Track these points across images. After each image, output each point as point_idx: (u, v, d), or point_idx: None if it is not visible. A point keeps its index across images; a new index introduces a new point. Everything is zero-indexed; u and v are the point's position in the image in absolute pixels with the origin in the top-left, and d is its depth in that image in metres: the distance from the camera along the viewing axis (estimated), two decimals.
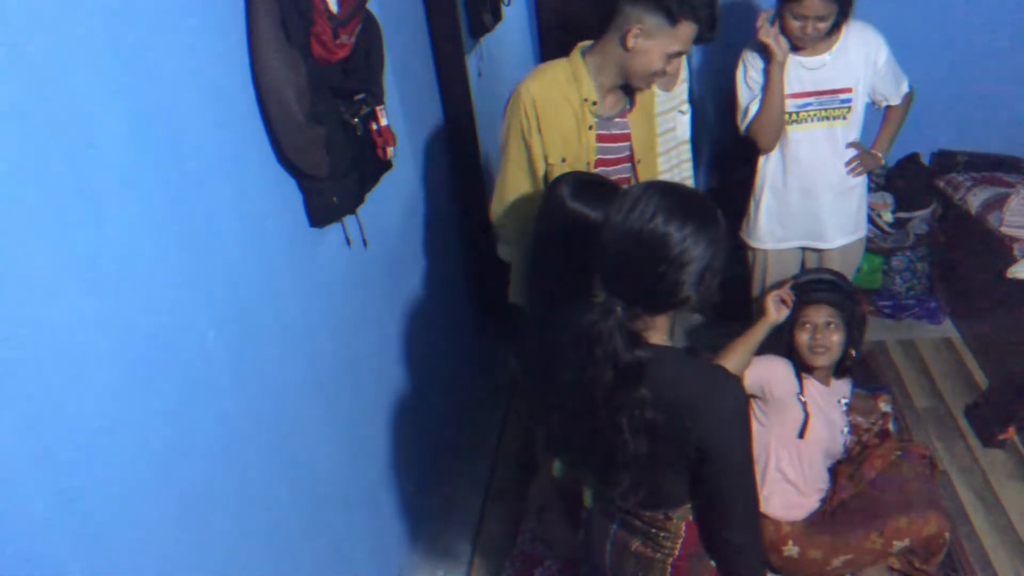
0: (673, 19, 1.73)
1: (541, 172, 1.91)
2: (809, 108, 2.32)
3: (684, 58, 2.36)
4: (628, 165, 2.03)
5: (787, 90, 2.31)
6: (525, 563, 2.32)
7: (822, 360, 2.13)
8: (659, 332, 1.23)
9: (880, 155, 2.48)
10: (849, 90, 2.30)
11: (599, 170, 1.97)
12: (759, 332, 2.04)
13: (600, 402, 1.19)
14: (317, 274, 1.79)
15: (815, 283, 2.23)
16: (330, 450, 1.85)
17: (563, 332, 1.29)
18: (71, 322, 1.02)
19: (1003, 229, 2.80)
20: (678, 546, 1.35)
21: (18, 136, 0.95)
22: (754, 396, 2.14)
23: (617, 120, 1.96)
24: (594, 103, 1.88)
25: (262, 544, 1.52)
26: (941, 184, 3.21)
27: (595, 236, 1.50)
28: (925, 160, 3.39)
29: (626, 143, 1.99)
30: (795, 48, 2.27)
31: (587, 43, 1.91)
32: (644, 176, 2.05)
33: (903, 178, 3.30)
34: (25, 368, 0.95)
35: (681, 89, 2.35)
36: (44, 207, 0.98)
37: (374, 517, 2.16)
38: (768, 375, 2.12)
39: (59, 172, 1.01)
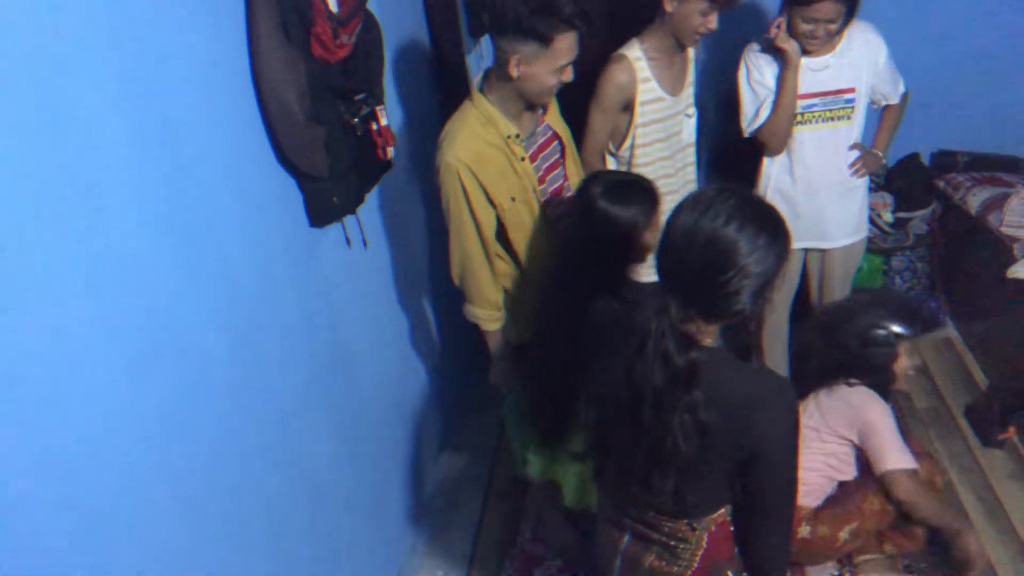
0: (545, 40, 1.69)
1: (491, 233, 1.89)
2: (814, 109, 2.33)
3: (692, 60, 2.36)
4: (561, 166, 2.04)
5: None
6: (525, 563, 2.32)
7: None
8: (710, 337, 1.22)
9: (881, 155, 2.49)
10: (852, 90, 2.31)
11: (547, 179, 1.99)
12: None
13: (649, 402, 1.17)
14: (317, 274, 1.79)
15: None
16: (330, 450, 1.85)
17: (601, 328, 1.28)
18: (71, 322, 1.02)
19: (1003, 229, 2.79)
20: (697, 558, 1.33)
21: (18, 136, 0.95)
22: (846, 439, 2.11)
23: (539, 129, 1.96)
24: (517, 135, 1.86)
25: (262, 544, 1.52)
26: (941, 184, 3.21)
27: (625, 235, 1.49)
28: (925, 160, 3.39)
29: (555, 142, 2.01)
30: (803, 51, 2.27)
31: (479, 78, 1.88)
32: (571, 163, 2.07)
33: (903, 178, 3.29)
34: (25, 368, 0.95)
35: (688, 93, 2.34)
36: (44, 207, 0.98)
37: (374, 517, 2.15)
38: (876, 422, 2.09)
39: (59, 172, 1.01)
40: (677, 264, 1.14)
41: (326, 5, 1.57)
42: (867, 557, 2.16)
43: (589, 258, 1.68)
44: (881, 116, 2.50)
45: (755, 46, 2.37)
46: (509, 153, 1.85)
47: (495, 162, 1.83)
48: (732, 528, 1.34)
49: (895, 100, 2.41)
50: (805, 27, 2.17)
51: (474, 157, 1.79)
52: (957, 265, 3.22)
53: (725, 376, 1.18)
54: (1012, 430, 2.58)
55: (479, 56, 3.22)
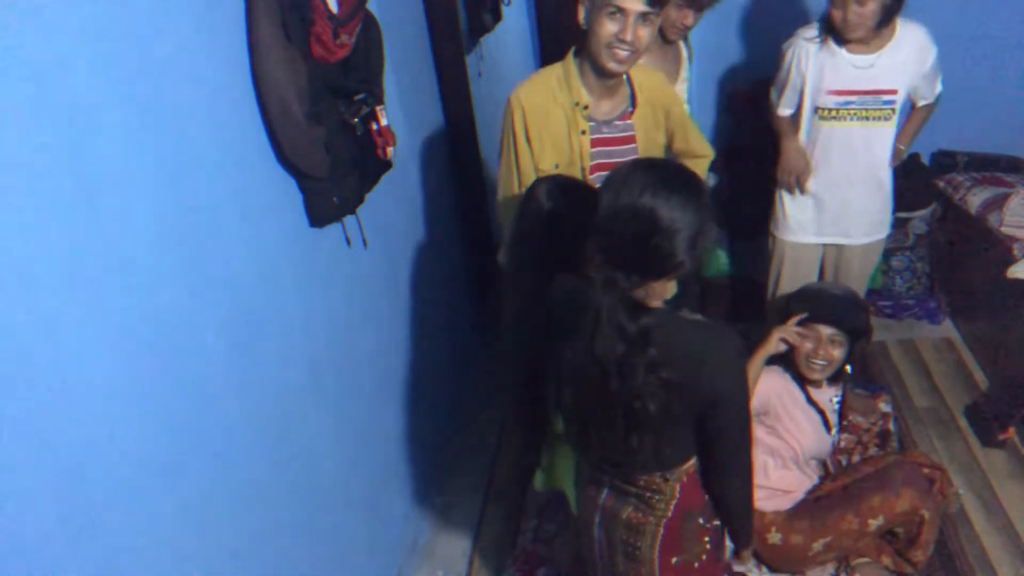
0: None
1: (530, 180, 1.85)
2: (850, 107, 2.29)
3: (685, 57, 2.37)
4: None
5: (830, 85, 2.28)
6: (528, 562, 2.32)
7: (819, 374, 2.13)
8: (659, 298, 1.31)
9: (903, 148, 2.47)
10: (894, 92, 2.26)
11: (596, 175, 1.94)
12: (757, 359, 2.07)
13: (613, 370, 1.27)
14: (317, 274, 1.79)
15: (829, 297, 2.22)
16: (330, 450, 1.85)
17: (559, 308, 1.37)
18: (71, 322, 1.02)
19: (1003, 229, 2.80)
20: (671, 507, 1.42)
21: (18, 137, 0.95)
22: (758, 415, 2.13)
23: (617, 122, 1.91)
24: (585, 107, 1.85)
25: (262, 544, 1.52)
26: (941, 184, 3.21)
27: (573, 238, 1.53)
28: (925, 160, 3.39)
29: (631, 145, 1.94)
30: (844, 41, 2.23)
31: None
32: None
33: (903, 178, 3.29)
34: (25, 368, 0.95)
35: (681, 88, 2.35)
36: (44, 207, 0.99)
37: (374, 517, 2.15)
38: (769, 390, 2.12)
39: (59, 172, 1.01)
40: (611, 240, 1.24)
41: (326, 5, 1.57)
42: (864, 560, 2.16)
43: (536, 263, 1.63)
44: (912, 111, 2.46)
45: (808, 32, 2.32)
46: (572, 121, 1.85)
47: (553, 123, 1.84)
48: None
49: (931, 100, 2.40)
50: (836, 12, 2.14)
51: (533, 107, 1.82)
52: (957, 265, 3.22)
53: (676, 334, 1.30)
54: (1012, 430, 2.58)
55: (479, 56, 3.23)
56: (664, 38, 2.22)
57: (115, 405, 1.10)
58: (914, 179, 3.28)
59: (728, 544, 1.58)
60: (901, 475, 2.09)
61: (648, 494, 1.43)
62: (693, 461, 1.43)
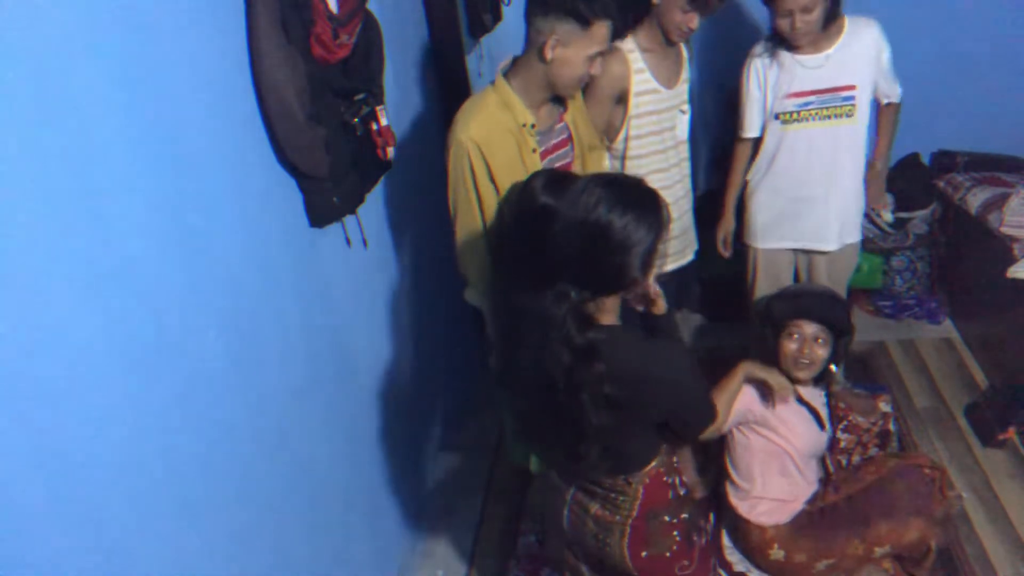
0: (585, 22, 1.72)
1: (492, 214, 1.88)
2: (810, 107, 2.30)
3: (686, 56, 2.37)
4: (571, 163, 2.03)
5: (786, 89, 2.30)
6: (533, 562, 2.32)
7: (804, 373, 2.12)
8: (610, 313, 1.32)
9: (879, 164, 2.49)
10: (852, 87, 2.27)
11: None
12: (735, 382, 2.00)
13: (561, 383, 1.27)
14: (317, 274, 1.79)
15: (809, 295, 2.22)
16: (330, 450, 1.85)
17: (521, 321, 1.37)
18: (71, 322, 1.02)
19: (1003, 229, 2.79)
20: (635, 508, 1.45)
21: (18, 137, 0.95)
22: (742, 424, 2.12)
23: (556, 127, 1.96)
24: (533, 125, 1.85)
25: (262, 544, 1.52)
26: (941, 184, 3.21)
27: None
28: (925, 160, 3.39)
29: (567, 147, 2.00)
30: (793, 47, 2.26)
31: (507, 63, 1.89)
32: (578, 168, 2.04)
33: (903, 178, 3.29)
34: (25, 368, 0.95)
35: (683, 88, 2.35)
36: (44, 207, 0.98)
37: (374, 517, 2.16)
38: (745, 403, 2.09)
39: (59, 173, 1.01)
40: (564, 254, 1.24)
41: (326, 5, 1.57)
42: (869, 570, 2.14)
43: (526, 252, 1.64)
44: (877, 126, 2.46)
45: (758, 49, 2.35)
46: (521, 142, 1.85)
47: (506, 148, 1.83)
48: (665, 478, 1.48)
49: (895, 99, 2.40)
50: (782, 22, 2.16)
51: (486, 139, 1.80)
52: (957, 265, 3.22)
53: (624, 352, 1.30)
54: (1012, 430, 2.58)
55: (479, 56, 3.23)
56: (668, 40, 2.23)
57: (115, 405, 1.10)
58: (914, 179, 3.29)
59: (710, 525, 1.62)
60: (912, 503, 2.05)
61: (612, 495, 1.46)
62: (655, 463, 1.45)
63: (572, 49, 1.75)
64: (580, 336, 1.24)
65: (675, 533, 1.49)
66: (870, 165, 2.48)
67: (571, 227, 1.21)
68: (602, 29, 1.76)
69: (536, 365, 1.29)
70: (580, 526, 1.54)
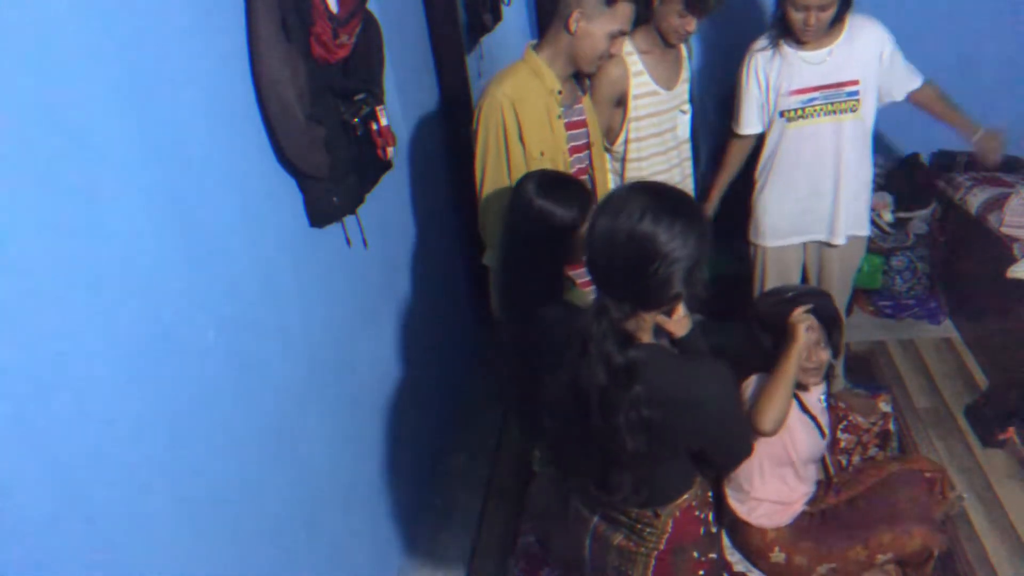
0: (609, 0, 1.83)
1: (521, 173, 1.89)
2: (814, 103, 2.30)
3: (685, 57, 2.37)
4: (588, 152, 2.10)
5: (790, 86, 2.30)
6: (532, 562, 2.32)
7: (814, 378, 2.12)
8: (649, 331, 1.26)
9: (972, 126, 2.40)
10: (856, 82, 2.27)
11: (574, 157, 2.04)
12: (792, 363, 1.90)
13: (595, 404, 1.20)
14: (317, 274, 1.79)
15: (809, 298, 2.20)
16: (330, 450, 1.85)
17: (548, 334, 1.32)
18: (71, 322, 1.02)
19: (1003, 229, 2.79)
20: (663, 540, 1.38)
21: (18, 137, 0.95)
22: None
23: (575, 107, 2.04)
24: (560, 92, 1.95)
25: (262, 544, 1.52)
26: (941, 184, 3.21)
27: (562, 233, 1.52)
28: (925, 160, 3.39)
29: (584, 129, 2.07)
30: (799, 42, 2.26)
31: (534, 41, 1.99)
32: (596, 160, 2.13)
33: (903, 178, 3.30)
34: (26, 368, 0.95)
35: (682, 88, 2.35)
36: (44, 208, 0.98)
37: (374, 517, 2.16)
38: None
39: (59, 173, 1.01)
40: (606, 266, 1.18)
41: (326, 5, 1.57)
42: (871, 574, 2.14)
43: (527, 257, 1.63)
44: (928, 110, 2.40)
45: (760, 43, 2.35)
46: (550, 106, 1.94)
47: (537, 110, 1.92)
48: (697, 513, 1.41)
49: (899, 98, 2.38)
50: (797, 16, 2.16)
51: (520, 99, 1.90)
52: (957, 265, 3.22)
53: (664, 374, 1.22)
54: (1012, 430, 2.57)
55: (479, 56, 3.23)
56: (666, 42, 2.23)
57: (115, 404, 1.10)
58: (914, 179, 3.29)
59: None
60: (915, 511, 2.03)
61: (639, 526, 1.39)
62: (687, 496, 1.38)
63: (595, 24, 1.85)
64: (620, 355, 1.16)
65: (701, 572, 1.42)
66: (974, 131, 2.39)
67: (614, 238, 1.14)
68: (626, 9, 1.86)
69: (569, 386, 1.22)
70: (602, 558, 1.46)
